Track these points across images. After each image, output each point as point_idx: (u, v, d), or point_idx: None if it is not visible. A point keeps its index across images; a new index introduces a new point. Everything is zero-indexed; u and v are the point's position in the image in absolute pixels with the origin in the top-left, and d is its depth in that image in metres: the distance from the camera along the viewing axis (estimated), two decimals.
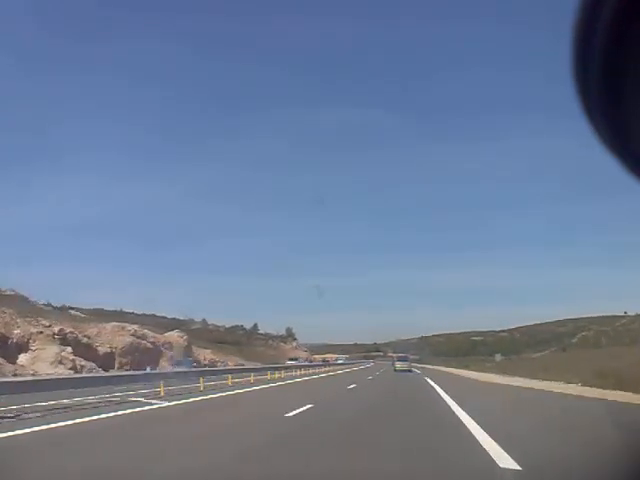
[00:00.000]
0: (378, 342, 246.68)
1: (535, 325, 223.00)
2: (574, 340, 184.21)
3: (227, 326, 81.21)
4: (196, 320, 76.95)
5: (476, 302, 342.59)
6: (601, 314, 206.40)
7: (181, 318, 75.65)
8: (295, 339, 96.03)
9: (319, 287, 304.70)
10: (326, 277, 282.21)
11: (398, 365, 60.55)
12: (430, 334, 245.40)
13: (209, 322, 79.16)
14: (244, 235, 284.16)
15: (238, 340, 70.97)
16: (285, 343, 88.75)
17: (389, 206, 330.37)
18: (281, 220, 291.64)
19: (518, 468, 6.98)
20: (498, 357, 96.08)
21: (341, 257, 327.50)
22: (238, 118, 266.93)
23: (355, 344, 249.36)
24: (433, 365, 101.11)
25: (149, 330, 56.94)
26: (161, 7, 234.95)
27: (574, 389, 24.49)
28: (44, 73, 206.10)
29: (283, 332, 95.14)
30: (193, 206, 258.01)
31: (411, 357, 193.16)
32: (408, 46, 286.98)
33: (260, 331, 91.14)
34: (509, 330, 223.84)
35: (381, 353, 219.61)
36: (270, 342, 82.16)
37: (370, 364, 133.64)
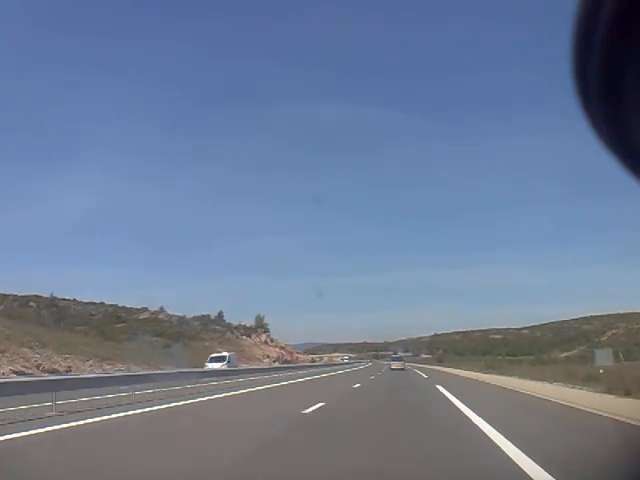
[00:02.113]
0: (389, 341, 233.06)
1: (558, 322, 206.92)
2: (604, 338, 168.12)
3: (189, 316, 66.27)
4: (151, 309, 63.17)
5: (491, 300, 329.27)
6: (628, 311, 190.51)
7: (129, 306, 62.18)
8: (267, 331, 75.45)
9: (319, 287, 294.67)
10: (335, 277, 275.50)
11: (393, 365, 68.59)
12: (444, 332, 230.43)
13: (169, 313, 64.76)
14: (248, 235, 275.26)
15: (182, 333, 55.59)
16: (250, 337, 68.60)
17: (400, 206, 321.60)
18: (286, 219, 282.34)
19: None
20: (606, 355, 47.35)
21: (351, 257, 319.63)
22: (236, 117, 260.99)
23: (365, 343, 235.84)
24: (463, 369, 50.78)
25: None
26: (158, 5, 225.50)
27: None
28: (45, 71, 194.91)
29: (252, 323, 78.23)
30: (196, 205, 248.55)
31: (424, 356, 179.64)
32: (412, 43, 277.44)
33: (225, 321, 75.11)
34: (530, 327, 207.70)
35: (391, 352, 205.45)
36: (228, 335, 65.47)
37: (368, 364, 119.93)
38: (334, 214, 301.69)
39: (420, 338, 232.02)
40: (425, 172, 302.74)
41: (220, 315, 70.22)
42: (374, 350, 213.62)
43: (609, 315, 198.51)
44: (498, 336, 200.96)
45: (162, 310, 62.40)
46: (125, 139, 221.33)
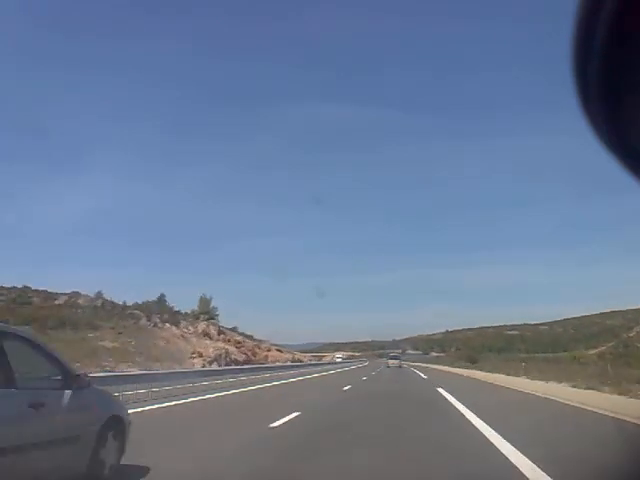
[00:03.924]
0: (397, 339, 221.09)
1: (578, 318, 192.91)
2: (632, 334, 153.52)
3: (129, 303, 52.37)
4: (83, 293, 50.03)
5: (497, 299, 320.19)
6: None
7: (50, 290, 49.50)
8: (212, 318, 57.56)
9: (320, 287, 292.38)
10: (338, 277, 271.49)
11: (390, 362, 71.06)
12: (457, 328, 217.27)
13: (108, 299, 50.83)
14: (248, 235, 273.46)
15: (66, 319, 41.51)
16: (177, 326, 49.77)
17: (410, 207, 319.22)
18: (286, 219, 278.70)
19: None
20: None
21: (351, 257, 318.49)
22: (236, 117, 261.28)
23: (373, 341, 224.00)
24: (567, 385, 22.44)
25: None
26: (158, 5, 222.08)
27: None
28: (45, 71, 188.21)
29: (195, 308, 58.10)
30: (197, 205, 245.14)
31: (434, 355, 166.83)
32: (412, 44, 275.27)
33: (168, 306, 58.87)
34: (550, 323, 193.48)
35: (399, 350, 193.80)
36: (143, 323, 50.07)
37: (364, 363, 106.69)
38: (334, 214, 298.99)
39: (431, 335, 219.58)
40: (425, 172, 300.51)
41: (161, 299, 55.10)
42: (381, 348, 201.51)
43: (633, 310, 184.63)
44: (514, 332, 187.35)
45: (99, 296, 49.34)
46: (125, 139, 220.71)
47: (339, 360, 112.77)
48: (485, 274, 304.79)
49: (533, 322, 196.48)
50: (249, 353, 53.85)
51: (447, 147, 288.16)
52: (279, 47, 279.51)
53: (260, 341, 67.05)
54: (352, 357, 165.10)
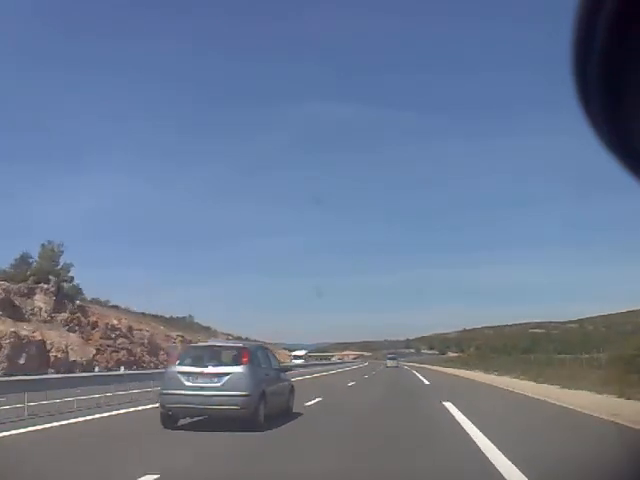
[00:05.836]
0: (410, 338, 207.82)
1: (609, 315, 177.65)
2: None
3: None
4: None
5: (523, 297, 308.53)
6: None
7: None
8: (46, 282, 34.73)
9: (319, 287, 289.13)
10: (341, 277, 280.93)
11: (389, 363, 75.42)
12: (474, 327, 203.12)
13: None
14: (248, 235, 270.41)
15: None
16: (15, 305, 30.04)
17: (410, 206, 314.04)
18: (286, 219, 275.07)
19: None
20: None
21: (352, 257, 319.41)
22: (237, 117, 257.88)
23: (384, 341, 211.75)
24: None
25: None
26: (158, 5, 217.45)
27: None
28: (45, 71, 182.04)
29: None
30: (196, 205, 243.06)
31: (451, 355, 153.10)
32: (413, 43, 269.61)
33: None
34: (579, 321, 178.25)
35: (412, 350, 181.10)
36: None
37: (362, 364, 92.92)
38: (334, 214, 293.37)
39: (446, 334, 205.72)
40: (425, 172, 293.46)
41: (24, 257, 35.77)
42: (393, 348, 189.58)
43: None
44: (540, 330, 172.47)
45: None
46: (126, 139, 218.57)
47: (299, 362, 72.41)
48: (492, 273, 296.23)
49: (560, 320, 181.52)
50: (130, 348, 32.95)
51: (447, 147, 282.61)
52: (279, 47, 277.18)
53: (213, 333, 49.06)
54: (361, 357, 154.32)
